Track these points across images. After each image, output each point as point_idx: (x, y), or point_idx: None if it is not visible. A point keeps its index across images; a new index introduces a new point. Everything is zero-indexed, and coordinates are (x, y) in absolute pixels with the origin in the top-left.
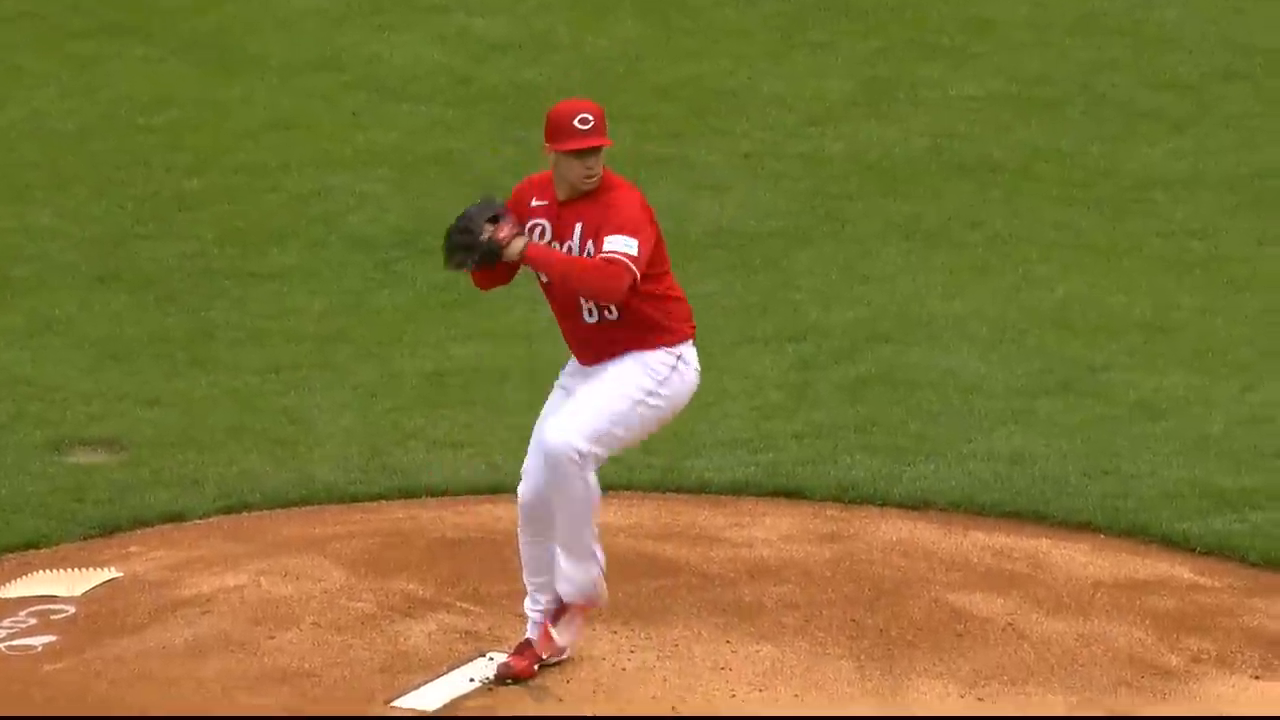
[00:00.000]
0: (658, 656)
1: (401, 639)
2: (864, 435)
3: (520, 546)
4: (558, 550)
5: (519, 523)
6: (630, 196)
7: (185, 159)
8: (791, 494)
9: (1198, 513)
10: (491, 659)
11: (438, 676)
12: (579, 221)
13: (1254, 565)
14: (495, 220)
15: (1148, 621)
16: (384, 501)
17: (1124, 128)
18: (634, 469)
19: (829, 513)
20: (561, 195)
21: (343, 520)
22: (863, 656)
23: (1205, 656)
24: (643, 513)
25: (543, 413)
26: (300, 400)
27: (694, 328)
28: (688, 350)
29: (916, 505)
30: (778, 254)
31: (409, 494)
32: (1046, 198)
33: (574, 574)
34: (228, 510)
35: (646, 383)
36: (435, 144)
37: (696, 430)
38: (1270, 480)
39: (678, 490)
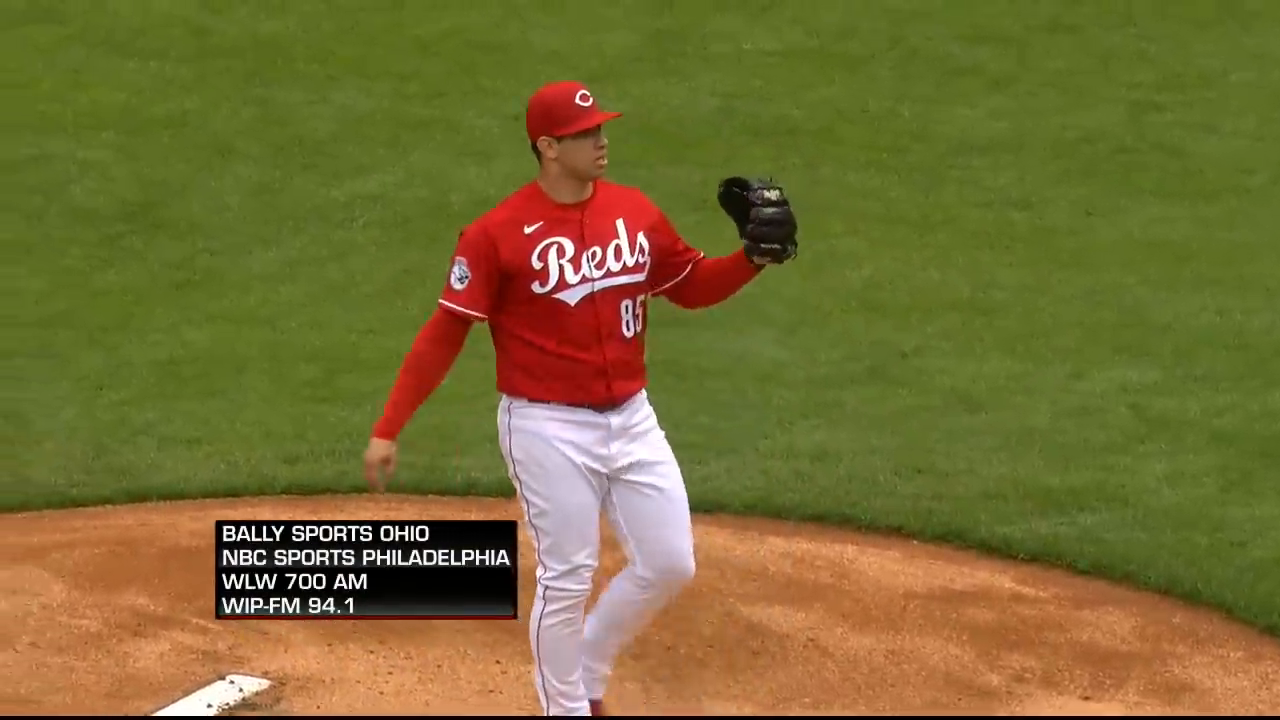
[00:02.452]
0: (419, 679)
1: (130, 660)
2: None
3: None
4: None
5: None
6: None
7: None
8: None
9: (1020, 515)
10: (232, 682)
11: (171, 702)
12: (620, 216)
13: (1083, 573)
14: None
15: (965, 636)
16: (110, 505)
17: (938, 86)
18: None
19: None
20: (566, 198)
21: (64, 527)
22: (648, 677)
23: (1029, 675)
24: (401, 517)
25: (586, 505)
26: (16, 392)
27: None
28: None
29: (708, 508)
30: None
31: (138, 497)
32: (852, 164)
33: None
34: None
35: None
36: (167, 105)
37: (461, 425)
38: (1100, 479)
39: (441, 492)
